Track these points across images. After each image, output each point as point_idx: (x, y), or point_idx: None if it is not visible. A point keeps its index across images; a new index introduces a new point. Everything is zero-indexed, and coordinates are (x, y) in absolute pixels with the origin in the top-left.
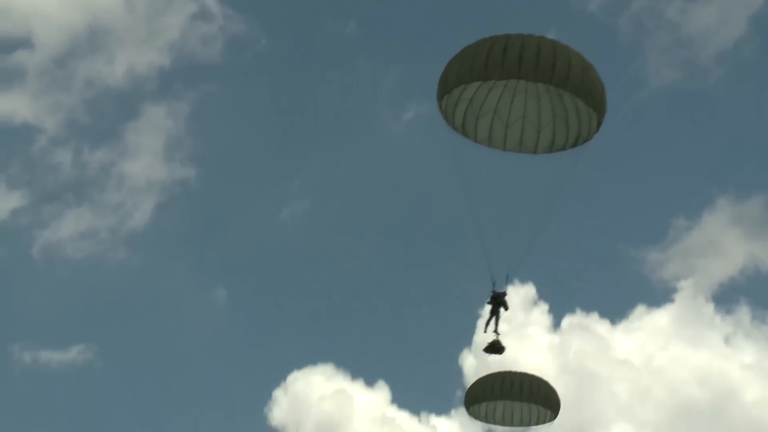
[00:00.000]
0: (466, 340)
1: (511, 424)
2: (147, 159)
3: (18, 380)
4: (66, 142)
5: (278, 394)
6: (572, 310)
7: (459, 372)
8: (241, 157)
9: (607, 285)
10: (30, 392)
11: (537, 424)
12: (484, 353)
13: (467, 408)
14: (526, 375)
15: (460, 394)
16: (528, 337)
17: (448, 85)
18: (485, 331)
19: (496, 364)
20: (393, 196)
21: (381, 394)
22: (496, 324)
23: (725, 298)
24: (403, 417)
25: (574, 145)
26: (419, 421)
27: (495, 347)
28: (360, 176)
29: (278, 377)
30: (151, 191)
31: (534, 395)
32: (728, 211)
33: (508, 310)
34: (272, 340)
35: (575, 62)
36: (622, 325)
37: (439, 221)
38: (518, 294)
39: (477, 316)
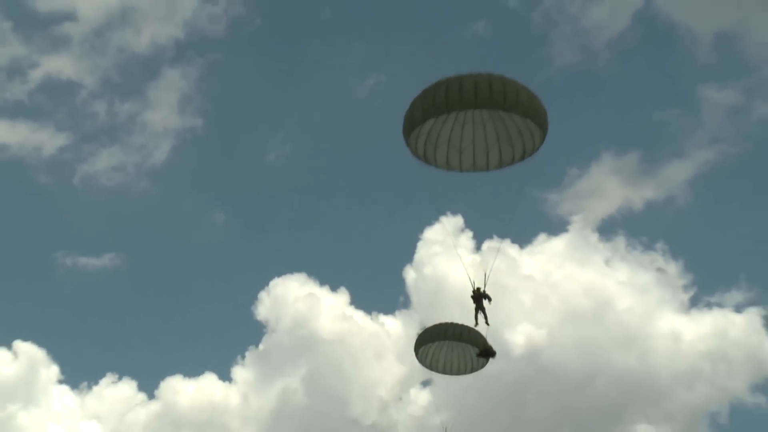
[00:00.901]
0: (409, 258)
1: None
2: (165, 111)
3: (60, 280)
4: (101, 96)
5: (263, 295)
6: (490, 237)
7: (402, 282)
8: (239, 112)
9: (517, 218)
10: (69, 290)
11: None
12: (478, 357)
13: (416, 351)
14: (464, 326)
15: (402, 299)
16: (456, 256)
17: (413, 122)
18: (476, 325)
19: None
20: (355, 144)
21: (342, 297)
22: (485, 317)
23: (606, 230)
24: (359, 315)
25: (522, 159)
26: (371, 319)
27: (487, 352)
28: (329, 129)
29: (262, 282)
30: (167, 136)
31: (467, 339)
32: (610, 163)
33: (492, 301)
34: (258, 254)
35: (522, 91)
36: (528, 249)
37: (390, 163)
38: (450, 223)
39: (417, 239)
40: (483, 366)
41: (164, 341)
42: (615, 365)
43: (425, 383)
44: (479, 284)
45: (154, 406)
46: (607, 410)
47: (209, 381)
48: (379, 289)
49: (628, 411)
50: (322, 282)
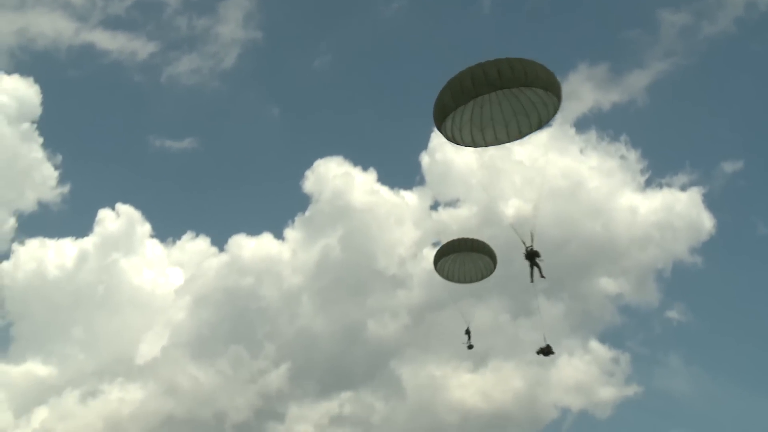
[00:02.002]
0: (424, 146)
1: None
2: (232, 25)
3: (151, 157)
4: (183, 12)
5: (308, 173)
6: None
7: (419, 164)
8: (291, 27)
9: None
10: (159, 165)
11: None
12: (538, 354)
13: (435, 264)
14: (473, 239)
15: (418, 178)
16: (461, 149)
17: (445, 111)
18: (532, 281)
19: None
20: (382, 54)
21: (371, 175)
22: (540, 270)
23: (580, 125)
24: (385, 190)
25: (539, 127)
26: (394, 193)
27: (546, 351)
28: (362, 41)
29: (308, 163)
30: (234, 45)
31: (477, 248)
32: (584, 72)
33: (541, 257)
34: (305, 140)
35: (539, 68)
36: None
37: (411, 69)
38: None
39: (431, 130)
40: (491, 273)
41: (232, 207)
42: (585, 232)
43: (435, 243)
44: (529, 243)
45: (224, 257)
46: (578, 267)
47: (267, 239)
48: (400, 169)
49: (594, 268)
50: (356, 163)
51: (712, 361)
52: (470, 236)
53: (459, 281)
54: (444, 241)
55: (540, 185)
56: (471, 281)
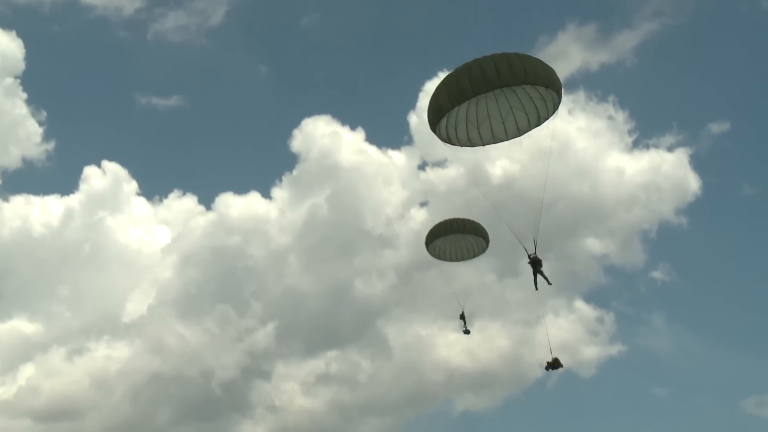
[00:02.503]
0: (412, 105)
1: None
2: None
3: (138, 115)
4: None
5: (296, 132)
6: None
7: (407, 124)
8: None
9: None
10: (145, 123)
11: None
12: (547, 369)
13: (426, 246)
14: (465, 219)
15: (406, 138)
16: None
17: (441, 111)
18: (536, 289)
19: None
20: (369, 13)
21: (359, 135)
22: (545, 278)
23: (569, 85)
24: (372, 149)
25: (537, 124)
26: (381, 152)
27: (554, 365)
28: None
29: (296, 122)
30: (222, 2)
31: (471, 230)
32: (573, 32)
33: (542, 266)
34: (292, 99)
35: (538, 64)
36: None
37: (397, 28)
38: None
39: (419, 90)
40: (483, 252)
41: (219, 165)
42: (572, 192)
43: (423, 204)
44: (531, 250)
45: (211, 216)
46: (564, 227)
47: (254, 198)
48: (388, 129)
49: (580, 228)
50: (344, 122)
51: (695, 321)
52: (459, 202)
53: (450, 260)
54: (431, 200)
55: (544, 184)
56: (463, 260)
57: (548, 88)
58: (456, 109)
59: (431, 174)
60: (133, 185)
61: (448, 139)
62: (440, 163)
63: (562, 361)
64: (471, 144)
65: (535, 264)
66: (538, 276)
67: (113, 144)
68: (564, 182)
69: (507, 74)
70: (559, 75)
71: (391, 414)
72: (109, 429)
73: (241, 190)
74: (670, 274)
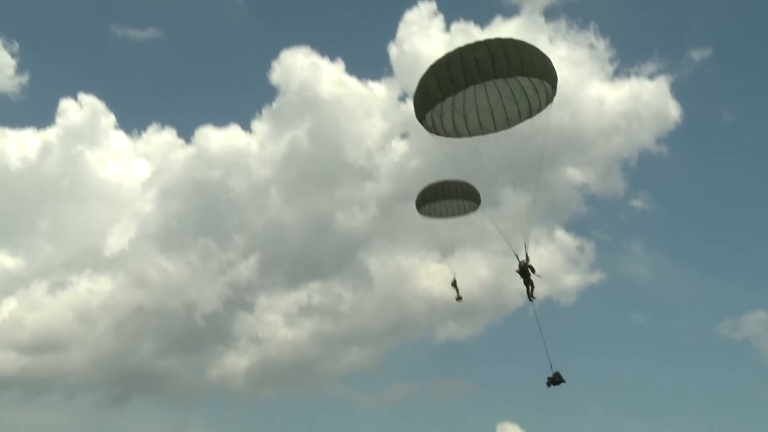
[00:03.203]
0: (392, 36)
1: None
2: None
3: (114, 47)
4: None
5: (275, 64)
6: (458, 19)
7: (387, 55)
8: None
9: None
10: (122, 55)
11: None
12: (549, 385)
13: (418, 209)
14: (458, 181)
15: (386, 69)
16: (429, 38)
17: (429, 102)
18: (530, 299)
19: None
20: None
21: (339, 66)
22: (531, 288)
23: (550, 14)
24: (353, 81)
25: (529, 116)
26: (362, 84)
27: (555, 380)
28: None
29: (274, 53)
30: None
31: (463, 194)
32: None
33: (536, 272)
34: (271, 30)
35: (535, 53)
36: (487, 30)
37: None
38: (425, 8)
39: (399, 20)
40: (474, 211)
41: (198, 98)
42: (552, 122)
43: (404, 135)
44: (522, 257)
45: (191, 149)
46: (545, 157)
47: (234, 131)
48: (368, 60)
49: (561, 157)
50: (323, 53)
51: (673, 248)
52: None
53: (441, 216)
54: (411, 132)
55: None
56: (453, 216)
57: (543, 80)
58: (450, 100)
59: (412, 105)
60: (111, 119)
61: (433, 129)
62: None
63: (562, 376)
64: (458, 135)
65: (525, 272)
66: (530, 284)
67: (89, 76)
68: (544, 113)
69: (502, 64)
70: (540, 3)
71: (374, 344)
72: (93, 361)
73: (220, 123)
74: (649, 203)
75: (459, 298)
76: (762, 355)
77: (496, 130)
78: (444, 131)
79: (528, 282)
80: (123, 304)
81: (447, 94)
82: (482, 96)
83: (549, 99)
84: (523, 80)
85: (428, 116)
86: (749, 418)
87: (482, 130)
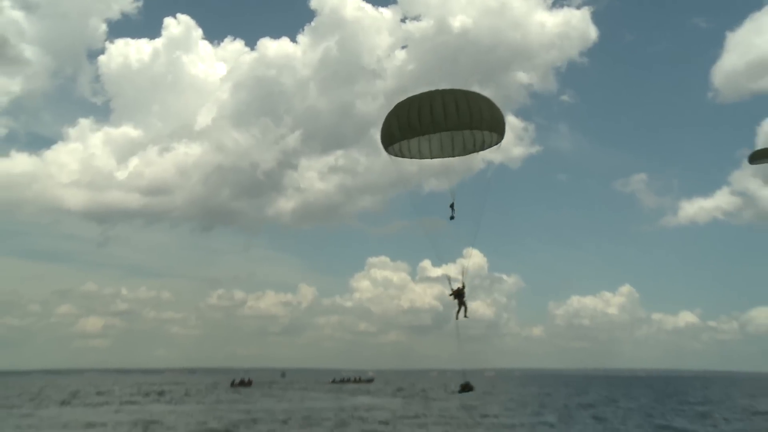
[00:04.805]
0: None
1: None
2: None
3: None
4: None
5: None
6: None
7: None
8: None
9: None
10: None
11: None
12: (460, 393)
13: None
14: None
15: None
16: None
17: (392, 140)
18: (456, 318)
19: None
20: None
21: None
22: (465, 310)
23: None
24: (368, 7)
25: (482, 149)
26: (374, 9)
27: (466, 388)
28: None
29: None
30: None
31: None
32: None
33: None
34: None
35: (485, 106)
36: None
37: None
38: None
39: None
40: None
41: (260, 18)
42: (508, 40)
43: (403, 47)
44: (458, 283)
45: (254, 55)
46: (502, 65)
47: (284, 42)
48: None
49: (513, 65)
50: None
51: (588, 129)
52: (429, 46)
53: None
54: (409, 44)
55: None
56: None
57: (491, 132)
58: (406, 141)
59: (410, 26)
60: (199, 32)
61: (400, 154)
62: (416, 18)
63: (471, 385)
64: (421, 156)
65: (459, 295)
66: (462, 307)
67: (184, 1)
68: (503, 32)
69: (453, 118)
70: None
71: (380, 193)
72: (189, 201)
73: (275, 35)
74: (573, 98)
75: (452, 218)
76: (641, 203)
77: (454, 155)
78: (410, 154)
79: (462, 303)
80: (208, 163)
81: (405, 137)
82: (436, 139)
83: (498, 142)
84: (475, 132)
85: (390, 149)
86: (630, 245)
87: (443, 154)
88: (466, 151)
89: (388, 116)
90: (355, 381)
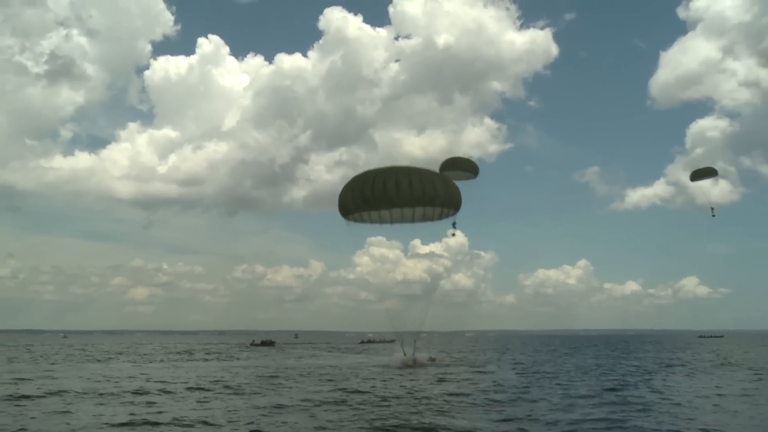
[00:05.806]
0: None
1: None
2: None
3: (227, 8)
4: None
5: (321, 17)
6: None
7: (387, 12)
8: None
9: None
10: (229, 12)
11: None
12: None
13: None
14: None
15: (387, 21)
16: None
17: (347, 210)
18: (405, 354)
19: None
20: None
21: (359, 18)
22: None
23: None
24: (367, 27)
25: (440, 218)
26: (372, 29)
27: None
28: None
29: (320, 10)
30: None
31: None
32: None
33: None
34: None
35: (438, 184)
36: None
37: None
38: None
39: None
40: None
41: (277, 37)
42: (485, 55)
43: (396, 60)
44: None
45: (272, 68)
46: (479, 76)
47: (297, 57)
48: (376, 14)
49: (489, 76)
50: (349, 10)
51: (551, 129)
52: (418, 60)
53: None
54: (402, 59)
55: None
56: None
57: (443, 207)
58: (362, 212)
59: (402, 43)
60: (227, 50)
61: (360, 220)
62: (407, 36)
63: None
64: (381, 222)
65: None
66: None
67: (214, 24)
68: (480, 48)
69: (406, 196)
70: None
71: None
72: (217, 191)
73: (289, 51)
74: (539, 103)
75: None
76: (594, 191)
77: (414, 221)
78: (370, 219)
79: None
80: (233, 158)
81: (359, 209)
82: (396, 210)
83: (453, 216)
84: (427, 208)
85: (349, 217)
86: (586, 226)
87: (403, 219)
88: (425, 219)
89: (344, 189)
90: (380, 341)
